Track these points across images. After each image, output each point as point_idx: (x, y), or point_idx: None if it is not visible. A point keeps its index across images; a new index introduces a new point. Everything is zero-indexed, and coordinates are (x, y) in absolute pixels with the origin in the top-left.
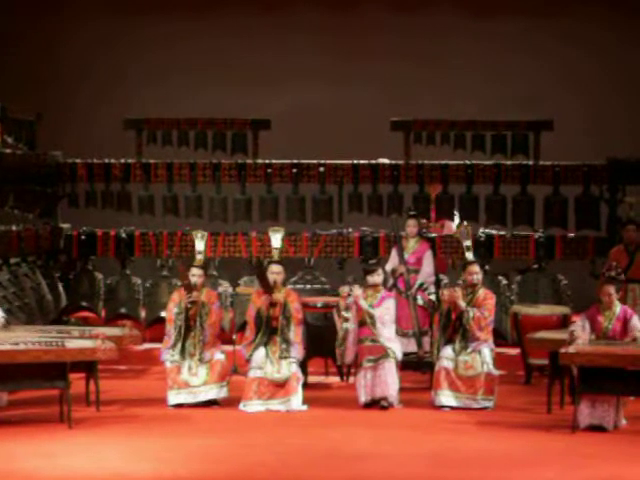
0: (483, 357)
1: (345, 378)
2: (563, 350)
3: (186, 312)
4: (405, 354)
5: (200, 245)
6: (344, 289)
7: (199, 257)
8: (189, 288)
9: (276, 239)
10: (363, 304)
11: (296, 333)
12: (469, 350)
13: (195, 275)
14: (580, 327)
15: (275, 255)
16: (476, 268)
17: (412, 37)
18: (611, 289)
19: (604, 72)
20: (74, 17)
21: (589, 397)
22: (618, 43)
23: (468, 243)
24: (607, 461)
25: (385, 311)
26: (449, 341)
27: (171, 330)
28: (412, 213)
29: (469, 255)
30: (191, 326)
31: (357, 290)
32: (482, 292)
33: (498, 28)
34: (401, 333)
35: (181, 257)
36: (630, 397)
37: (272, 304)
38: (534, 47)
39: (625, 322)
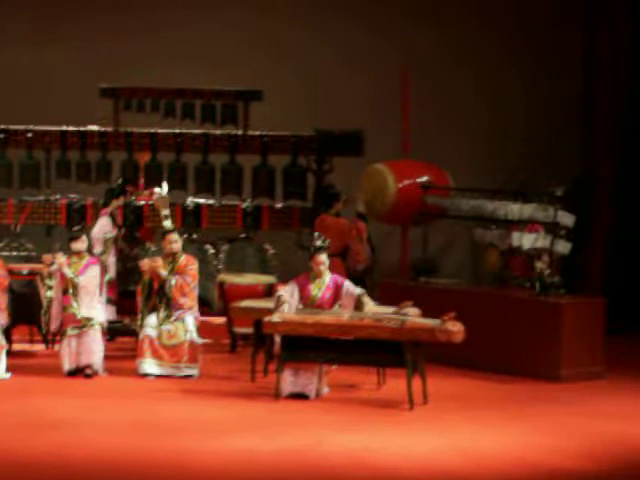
0: (186, 325)
1: (50, 346)
2: (267, 319)
3: None
4: (110, 322)
5: None
6: (47, 257)
7: None
8: None
9: None
10: (67, 272)
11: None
12: (172, 319)
13: None
14: (289, 293)
15: None
16: (175, 236)
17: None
18: (323, 257)
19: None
20: None
21: (292, 365)
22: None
23: (166, 212)
24: (307, 428)
25: (90, 279)
26: (153, 309)
27: None
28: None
29: (167, 224)
30: None
31: (60, 258)
32: (183, 258)
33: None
34: (108, 300)
35: None
36: (332, 366)
37: None
38: (245, 18)
39: (336, 290)
